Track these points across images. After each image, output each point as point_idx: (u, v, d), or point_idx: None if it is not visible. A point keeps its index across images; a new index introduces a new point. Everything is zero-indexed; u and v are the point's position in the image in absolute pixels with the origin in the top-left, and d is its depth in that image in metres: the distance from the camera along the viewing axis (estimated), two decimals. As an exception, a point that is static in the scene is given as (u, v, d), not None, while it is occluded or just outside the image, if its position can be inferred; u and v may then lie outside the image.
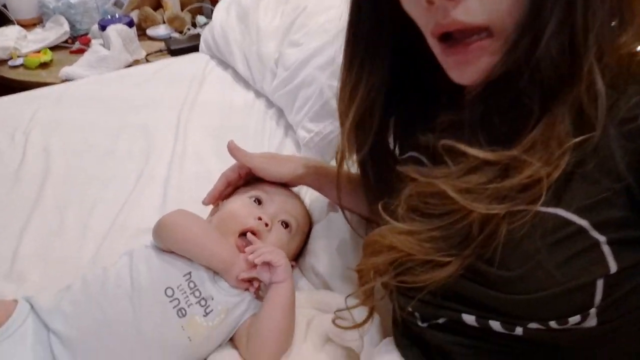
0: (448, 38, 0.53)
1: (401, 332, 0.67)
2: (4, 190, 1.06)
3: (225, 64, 1.54)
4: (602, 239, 0.48)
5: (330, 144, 1.06)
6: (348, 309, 0.70)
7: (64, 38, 1.89)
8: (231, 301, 0.76)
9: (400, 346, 0.66)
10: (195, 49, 1.68)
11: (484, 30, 0.51)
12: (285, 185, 0.91)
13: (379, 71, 0.65)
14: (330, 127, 1.06)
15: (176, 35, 1.93)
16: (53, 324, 0.70)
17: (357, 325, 0.69)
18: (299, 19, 1.30)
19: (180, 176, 1.11)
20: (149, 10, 1.96)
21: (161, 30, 1.96)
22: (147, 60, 1.81)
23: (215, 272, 0.77)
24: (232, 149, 0.87)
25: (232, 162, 0.91)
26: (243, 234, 0.81)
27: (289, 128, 1.24)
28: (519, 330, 0.53)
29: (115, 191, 1.06)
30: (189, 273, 0.76)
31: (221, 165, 0.96)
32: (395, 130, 0.74)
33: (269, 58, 1.32)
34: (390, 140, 0.75)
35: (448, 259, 0.55)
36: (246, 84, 1.43)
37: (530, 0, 0.48)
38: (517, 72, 0.49)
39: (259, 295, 0.80)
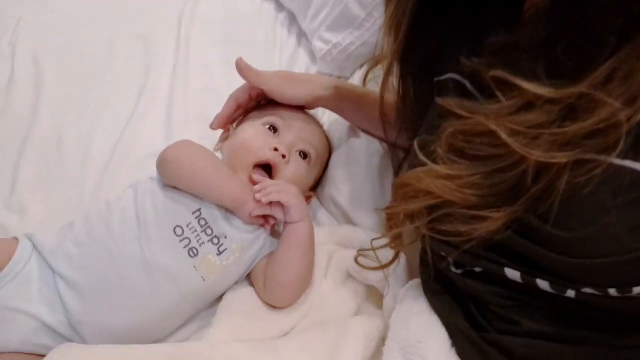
0: None
1: (430, 275, 0.61)
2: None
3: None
4: None
5: (350, 58, 0.95)
6: (373, 249, 0.65)
7: None
8: (246, 238, 0.70)
9: (429, 292, 0.61)
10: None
11: None
12: (302, 108, 0.82)
13: None
14: (351, 38, 0.94)
15: None
16: (58, 266, 0.66)
17: (382, 267, 0.64)
18: None
19: (185, 92, 1.02)
20: None
21: None
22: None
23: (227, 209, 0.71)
24: (242, 69, 0.76)
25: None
26: (258, 166, 0.74)
27: (302, 36, 1.11)
28: (570, 293, 0.48)
29: (115, 110, 0.97)
30: (199, 210, 0.70)
31: (229, 79, 0.87)
32: (433, 44, 0.64)
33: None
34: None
35: (493, 212, 0.48)
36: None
37: None
38: None
39: (275, 231, 0.75)
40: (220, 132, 0.83)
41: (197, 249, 0.68)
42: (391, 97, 0.76)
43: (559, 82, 0.43)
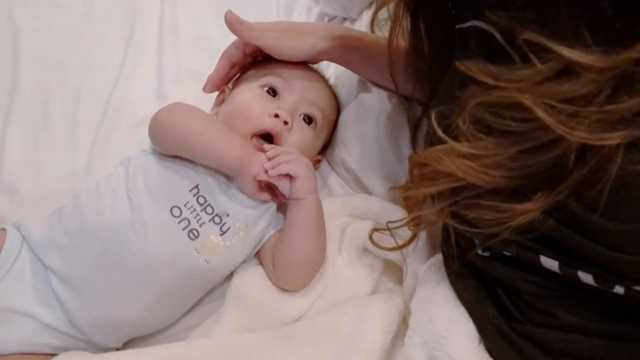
0: None
1: (453, 256, 0.55)
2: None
3: None
4: None
5: (356, -3, 0.84)
6: (389, 229, 0.59)
7: None
8: (250, 215, 0.65)
9: (452, 275, 0.55)
10: None
11: None
12: (304, 63, 0.73)
13: None
14: (356, -29, 0.82)
15: None
16: (49, 261, 0.61)
17: (399, 247, 0.59)
18: None
19: (174, 45, 0.92)
20: None
21: None
22: None
23: (228, 178, 0.64)
24: (233, 24, 0.67)
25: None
26: (257, 136, 0.66)
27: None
28: (619, 290, 0.42)
29: (99, 71, 0.89)
30: (196, 186, 0.63)
31: (222, 29, 0.76)
32: None
33: None
34: None
35: (528, 199, 0.41)
36: None
37: None
38: None
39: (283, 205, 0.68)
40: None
41: (197, 230, 0.62)
42: (403, 46, 0.67)
43: (607, 46, 0.35)
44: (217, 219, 0.63)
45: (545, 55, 0.38)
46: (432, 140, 0.48)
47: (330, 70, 0.80)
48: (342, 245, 0.68)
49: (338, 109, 0.77)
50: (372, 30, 0.75)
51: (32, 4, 0.96)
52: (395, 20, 0.61)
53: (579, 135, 0.37)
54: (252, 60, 0.74)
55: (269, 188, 0.65)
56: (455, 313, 0.51)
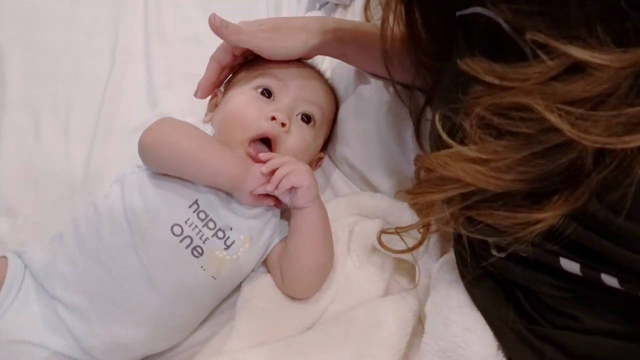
0: None
1: (466, 256, 0.53)
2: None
3: None
4: None
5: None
6: (397, 232, 0.57)
7: None
8: (254, 226, 0.63)
9: (467, 277, 0.53)
10: None
11: None
12: (297, 59, 0.69)
13: None
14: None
15: None
16: (53, 290, 0.59)
17: (408, 250, 0.57)
18: None
19: (162, 46, 0.89)
20: None
21: None
22: None
23: (227, 192, 0.62)
24: (218, 28, 0.63)
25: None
26: (255, 140, 0.64)
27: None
28: None
29: (88, 80, 0.85)
30: (195, 202, 0.61)
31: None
32: None
33: None
34: None
35: (544, 204, 0.39)
36: None
37: None
38: None
39: (286, 212, 0.66)
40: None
41: (201, 247, 0.60)
42: (400, 33, 0.63)
43: (622, 42, 0.32)
44: (220, 234, 0.61)
45: (555, 49, 0.35)
46: (438, 144, 0.45)
47: (326, 62, 0.77)
48: (351, 246, 0.66)
49: (337, 103, 0.74)
50: (366, 17, 0.72)
51: (13, 16, 0.92)
52: (387, 9, 0.57)
53: (594, 139, 0.34)
54: (242, 60, 0.71)
55: (268, 196, 0.63)
56: (471, 320, 0.49)
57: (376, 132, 0.69)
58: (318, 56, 0.72)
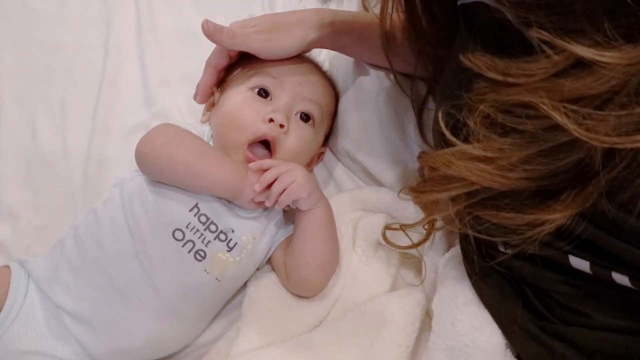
0: None
1: (472, 252, 0.52)
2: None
3: None
4: None
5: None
6: (402, 229, 0.56)
7: None
8: (256, 228, 0.62)
9: (474, 274, 0.52)
10: None
11: None
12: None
13: None
14: None
15: None
16: (57, 299, 0.59)
17: (413, 245, 0.56)
18: None
19: (156, 43, 0.86)
20: None
21: None
22: None
23: None
24: (213, 35, 0.62)
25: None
26: (254, 142, 0.63)
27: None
28: None
29: (82, 80, 0.84)
30: (196, 205, 0.60)
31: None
32: None
33: None
34: None
35: (552, 203, 0.38)
36: None
37: None
38: None
39: (289, 210, 0.65)
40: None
41: (203, 251, 0.60)
42: (400, 22, 0.61)
43: (631, 38, 0.31)
44: (222, 236, 0.61)
45: (559, 47, 0.34)
46: (441, 140, 0.44)
47: (323, 54, 0.75)
48: (356, 241, 0.65)
49: (336, 97, 0.72)
50: (364, 6, 0.70)
51: (2, 15, 0.90)
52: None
53: (602, 138, 0.33)
54: (238, 59, 0.69)
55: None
56: (478, 318, 0.49)
57: (377, 123, 0.68)
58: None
